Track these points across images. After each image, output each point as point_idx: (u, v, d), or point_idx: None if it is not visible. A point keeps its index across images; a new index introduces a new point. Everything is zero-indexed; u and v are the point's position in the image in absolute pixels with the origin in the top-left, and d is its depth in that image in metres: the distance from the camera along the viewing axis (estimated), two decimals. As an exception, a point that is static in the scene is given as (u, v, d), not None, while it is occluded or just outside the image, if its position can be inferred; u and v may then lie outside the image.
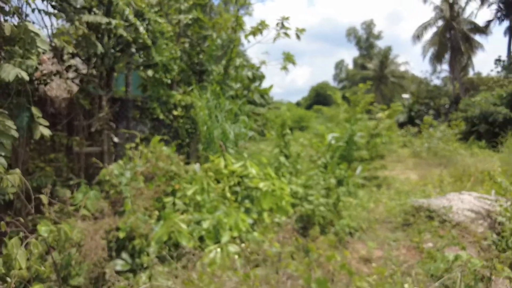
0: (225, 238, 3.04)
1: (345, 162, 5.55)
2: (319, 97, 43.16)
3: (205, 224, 3.18)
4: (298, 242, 3.60)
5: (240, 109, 8.36)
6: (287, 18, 9.31)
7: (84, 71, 5.95)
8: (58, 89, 6.68)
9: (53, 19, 5.58)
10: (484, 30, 26.39)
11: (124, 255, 3.31)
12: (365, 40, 43.77)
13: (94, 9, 5.81)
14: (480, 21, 27.56)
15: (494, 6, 25.30)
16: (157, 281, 2.55)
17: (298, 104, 49.07)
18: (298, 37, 9.65)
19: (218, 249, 2.92)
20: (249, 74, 10.01)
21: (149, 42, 6.68)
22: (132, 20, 6.41)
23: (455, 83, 28.03)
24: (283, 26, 9.32)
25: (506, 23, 25.24)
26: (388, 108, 9.89)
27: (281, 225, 3.76)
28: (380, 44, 43.98)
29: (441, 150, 14.74)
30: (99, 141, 5.64)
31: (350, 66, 47.60)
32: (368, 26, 44.05)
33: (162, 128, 7.21)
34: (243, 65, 9.80)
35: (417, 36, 28.55)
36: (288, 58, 10.21)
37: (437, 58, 28.54)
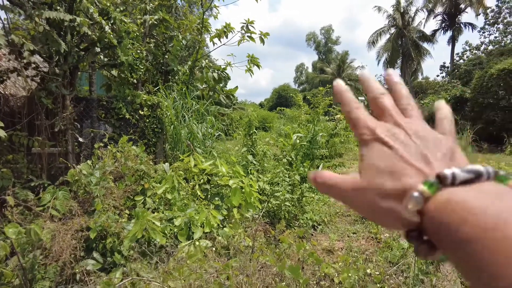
0: (197, 234, 3.18)
1: (308, 160, 5.90)
2: (281, 99, 44.03)
3: (177, 222, 3.29)
4: (271, 233, 3.83)
5: (206, 109, 8.45)
6: (252, 22, 9.57)
7: (45, 69, 5.74)
8: (13, 86, 6.38)
9: (9, 14, 5.38)
10: (430, 38, 28.64)
11: (95, 254, 3.33)
12: (324, 44, 45.46)
13: (55, 5, 5.64)
14: (428, 30, 29.83)
15: (439, 17, 27.57)
16: (137, 275, 2.64)
17: (261, 105, 49.73)
18: (262, 41, 9.95)
19: (192, 245, 3.06)
20: (215, 75, 10.10)
21: (114, 41, 6.57)
22: (97, 18, 6.28)
23: (407, 86, 30.07)
24: (248, 30, 9.56)
25: (449, 33, 27.63)
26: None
27: (250, 220, 3.97)
28: (338, 48, 45.96)
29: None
30: (62, 141, 5.48)
31: (310, 69, 49.14)
32: (327, 31, 45.80)
33: (128, 128, 7.12)
34: (209, 66, 9.89)
35: (372, 42, 30.28)
36: (253, 60, 10.46)
37: (390, 63, 30.46)
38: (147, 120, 7.10)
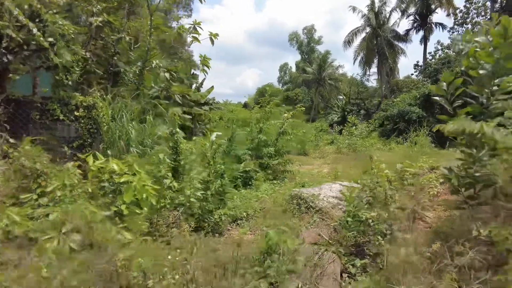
0: (66, 227, 3.33)
1: (227, 158, 6.06)
2: (264, 98, 44.06)
3: (52, 216, 3.44)
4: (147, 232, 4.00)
5: (149, 109, 8.56)
6: (199, 23, 9.73)
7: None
8: None
9: None
10: (404, 38, 29.15)
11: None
12: (307, 44, 45.81)
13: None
14: (403, 30, 30.34)
15: (412, 17, 28.14)
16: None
17: (245, 105, 49.83)
18: (212, 41, 10.11)
19: (58, 238, 3.20)
20: (167, 75, 10.23)
21: (45, 44, 6.65)
22: (24, 21, 6.37)
23: (383, 85, 30.54)
24: (195, 31, 9.72)
25: (421, 33, 28.19)
26: (293, 109, 10.76)
27: (141, 216, 4.12)
28: (321, 48, 46.18)
29: (359, 146, 16.12)
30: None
31: (294, 69, 49.44)
32: (309, 31, 46.15)
33: (63, 129, 7.23)
34: (159, 66, 10.00)
35: (348, 42, 30.68)
36: (204, 61, 10.61)
37: (366, 62, 30.88)
38: (83, 121, 7.21)
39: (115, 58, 9.59)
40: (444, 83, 4.26)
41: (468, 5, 26.00)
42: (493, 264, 3.24)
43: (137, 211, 4.11)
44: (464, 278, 2.82)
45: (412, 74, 29.36)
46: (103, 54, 9.42)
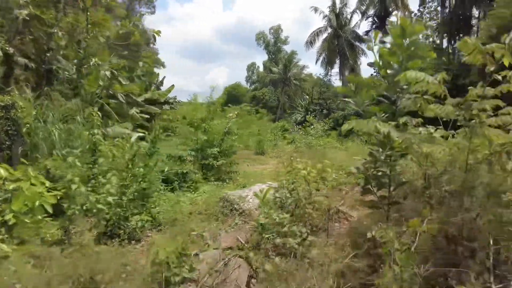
0: None
1: (149, 160, 5.78)
2: (231, 97, 43.87)
3: None
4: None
5: (83, 109, 8.09)
6: (138, 19, 9.38)
7: None
8: None
9: None
10: (363, 39, 29.94)
11: None
12: (273, 44, 45.93)
13: None
14: (364, 31, 31.18)
15: (370, 19, 29.03)
16: None
17: (213, 103, 49.29)
18: (154, 38, 9.80)
19: None
20: (107, 73, 9.76)
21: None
22: None
23: (345, 85, 31.17)
24: (134, 27, 9.36)
25: (380, 34, 28.99)
26: (240, 109, 10.68)
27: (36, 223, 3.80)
28: (288, 48, 46.40)
29: (314, 145, 16.29)
30: None
31: (262, 68, 49.50)
32: (276, 31, 46.29)
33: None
34: (98, 64, 9.50)
35: (310, 42, 31.07)
36: (157, 61, 10.29)
37: (328, 63, 31.42)
38: (-1, 122, 6.67)
39: (48, 54, 9.02)
40: (351, 84, 4.25)
41: (421, 9, 27.19)
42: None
43: (26, 220, 3.77)
44: (345, 282, 2.77)
45: (372, 74, 30.23)
46: (33, 50, 8.82)
